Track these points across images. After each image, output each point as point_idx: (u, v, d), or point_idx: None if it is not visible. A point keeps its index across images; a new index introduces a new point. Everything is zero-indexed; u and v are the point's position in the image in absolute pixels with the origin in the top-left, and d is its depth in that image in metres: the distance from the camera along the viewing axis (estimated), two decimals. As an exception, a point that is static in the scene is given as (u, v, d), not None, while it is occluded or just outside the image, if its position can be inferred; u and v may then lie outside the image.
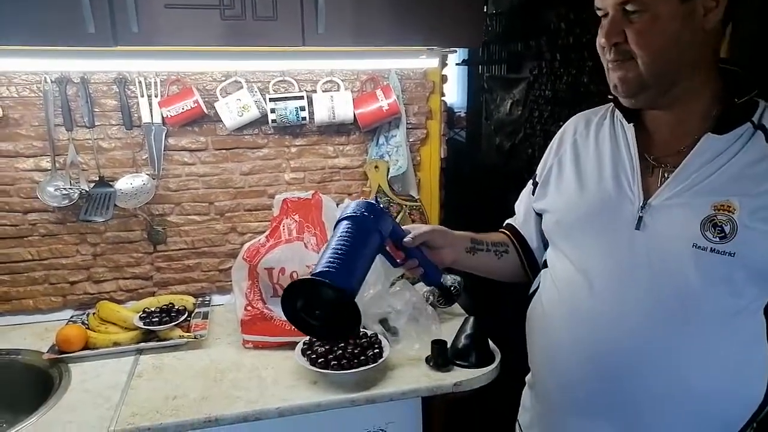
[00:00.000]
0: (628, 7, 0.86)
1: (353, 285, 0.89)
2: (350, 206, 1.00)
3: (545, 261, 1.11)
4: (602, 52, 0.93)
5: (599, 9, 0.92)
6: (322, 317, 0.90)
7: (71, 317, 1.61)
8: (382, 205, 1.05)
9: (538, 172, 1.16)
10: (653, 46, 0.87)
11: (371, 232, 0.96)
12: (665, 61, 0.88)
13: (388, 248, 1.05)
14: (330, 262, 0.89)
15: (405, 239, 1.04)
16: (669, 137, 0.96)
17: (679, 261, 0.88)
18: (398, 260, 1.06)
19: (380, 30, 1.39)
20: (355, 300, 0.88)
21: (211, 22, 1.30)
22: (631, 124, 0.98)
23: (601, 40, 0.91)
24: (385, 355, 1.35)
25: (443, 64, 1.78)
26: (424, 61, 1.61)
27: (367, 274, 0.95)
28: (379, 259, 1.35)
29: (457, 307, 1.70)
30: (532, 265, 1.19)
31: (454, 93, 3.41)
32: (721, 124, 0.90)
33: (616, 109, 1.04)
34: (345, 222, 0.97)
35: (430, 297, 1.62)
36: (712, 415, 0.91)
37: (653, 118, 0.98)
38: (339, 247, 0.92)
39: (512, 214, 1.25)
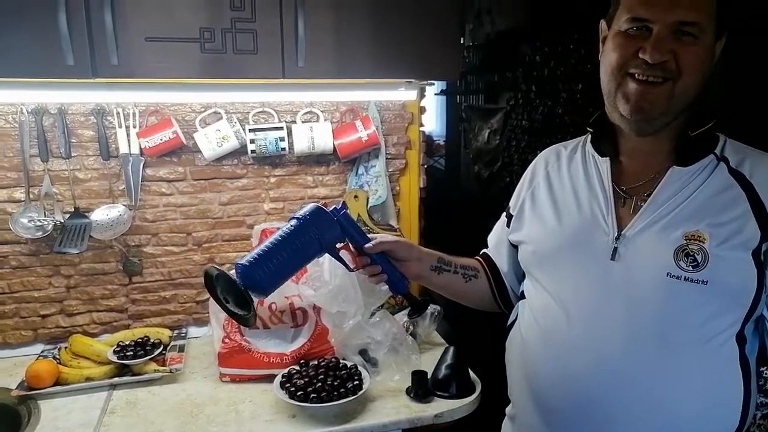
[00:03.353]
0: (687, 29, 0.87)
1: (257, 280, 1.00)
2: (304, 208, 1.08)
3: (522, 292, 1.12)
4: (633, 66, 0.90)
5: (639, 20, 0.89)
6: (233, 301, 1.02)
7: (42, 352, 1.56)
8: (342, 212, 1.09)
9: (511, 204, 1.18)
10: (701, 70, 0.89)
11: (307, 239, 1.04)
12: (697, 87, 0.91)
13: (343, 254, 1.12)
14: (251, 257, 1.01)
15: (366, 245, 1.08)
16: (640, 168, 0.99)
17: (654, 290, 0.90)
18: (353, 266, 1.12)
19: (359, 63, 1.42)
20: (262, 291, 1.01)
21: (192, 56, 1.31)
22: (606, 158, 1.01)
23: (646, 56, 0.87)
24: (365, 386, 1.34)
25: (421, 96, 1.81)
26: (403, 93, 1.63)
27: (294, 275, 1.09)
28: (349, 279, 1.38)
29: (437, 337, 1.70)
30: (502, 294, 1.20)
31: (433, 122, 3.46)
32: (683, 157, 0.93)
33: (588, 142, 1.07)
34: (292, 221, 1.06)
35: (410, 327, 1.62)
36: None
37: (631, 148, 1.00)
38: (268, 245, 1.02)
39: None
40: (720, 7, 0.89)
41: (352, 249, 1.11)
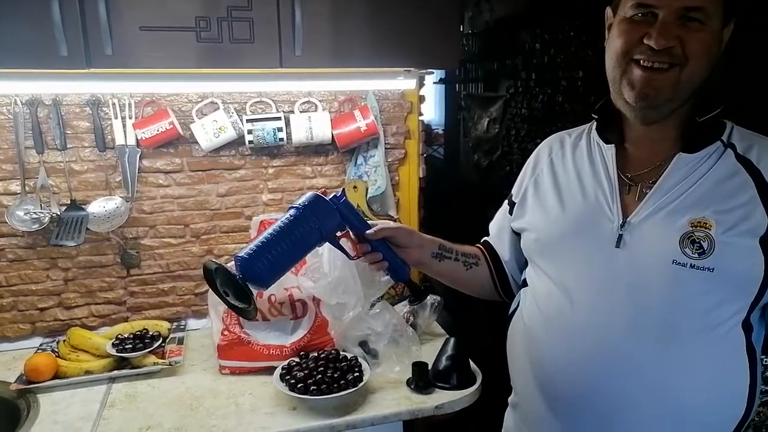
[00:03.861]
0: (693, 14, 0.86)
1: (257, 272, 0.98)
2: (303, 197, 1.06)
3: (524, 280, 1.12)
4: (638, 53, 0.89)
5: (645, 6, 0.88)
6: (233, 294, 1.01)
7: (40, 345, 1.56)
8: (341, 200, 1.08)
9: (514, 192, 1.17)
10: (707, 56, 0.88)
11: (307, 229, 1.03)
12: (703, 74, 0.90)
13: (344, 242, 1.10)
14: (250, 249, 0.99)
15: (368, 231, 1.07)
16: (646, 154, 0.98)
17: (660, 277, 0.89)
18: (353, 254, 1.10)
19: (357, 52, 1.40)
20: (262, 283, 1.00)
21: (188, 45, 1.29)
22: (611, 145, 1.00)
23: (651, 42, 0.86)
24: (365, 378, 1.34)
25: (420, 85, 1.79)
26: (402, 82, 1.62)
27: (294, 266, 1.07)
28: (348, 270, 1.37)
29: (437, 327, 1.70)
30: (503, 282, 1.19)
31: (432, 110, 3.44)
32: (690, 143, 0.93)
33: (593, 130, 1.06)
34: (290, 211, 1.05)
35: (411, 318, 1.61)
36: (696, 429, 0.91)
37: (636, 136, 0.99)
38: (267, 236, 1.01)
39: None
40: None
41: (352, 237, 1.10)
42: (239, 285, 0.98)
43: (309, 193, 1.07)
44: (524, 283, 1.11)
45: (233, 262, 1.00)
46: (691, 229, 0.88)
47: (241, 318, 1.48)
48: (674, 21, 0.86)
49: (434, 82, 3.14)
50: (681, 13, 0.86)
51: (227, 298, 1.00)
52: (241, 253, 0.99)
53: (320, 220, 1.04)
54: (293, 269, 1.52)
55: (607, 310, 0.92)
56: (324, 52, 1.38)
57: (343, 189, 1.14)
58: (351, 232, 1.09)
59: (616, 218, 0.95)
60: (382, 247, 1.09)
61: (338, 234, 1.10)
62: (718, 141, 0.92)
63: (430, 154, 3.18)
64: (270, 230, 1.02)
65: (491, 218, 1.25)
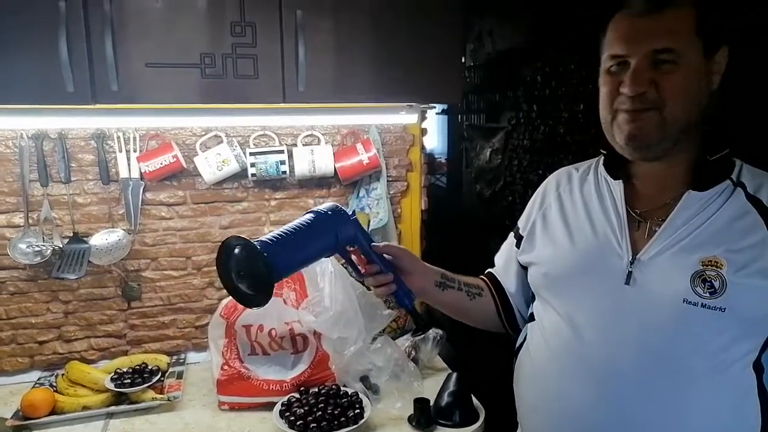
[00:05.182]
0: (663, 56, 0.87)
1: (279, 260, 0.91)
2: (322, 205, 1.04)
3: (531, 314, 1.10)
4: (619, 102, 0.91)
5: (618, 57, 0.90)
6: (245, 282, 0.93)
7: (38, 379, 1.54)
8: (353, 216, 1.04)
9: (521, 225, 1.16)
10: (684, 95, 0.88)
11: (326, 230, 0.99)
12: (689, 112, 0.90)
13: (354, 258, 1.06)
14: (271, 237, 0.92)
15: (373, 243, 1.05)
16: (655, 191, 0.97)
17: (670, 316, 0.88)
18: (363, 270, 1.07)
19: (360, 88, 1.41)
20: (278, 273, 0.91)
21: (192, 81, 1.31)
22: (619, 181, 1.00)
23: (625, 90, 0.89)
24: (366, 415, 1.31)
25: (423, 118, 1.80)
26: (404, 117, 1.63)
27: (307, 266, 1.00)
28: (350, 303, 1.33)
29: (439, 362, 1.67)
30: (508, 315, 1.18)
31: (435, 139, 3.47)
32: (700, 181, 0.92)
33: (600, 165, 1.06)
34: (308, 214, 1.01)
35: (412, 352, 1.59)
36: None
37: (643, 172, 0.99)
38: (287, 230, 0.95)
39: (494, 261, 1.24)
40: (701, 25, 0.88)
41: (361, 256, 1.07)
42: (259, 264, 0.90)
43: (328, 203, 1.05)
44: (531, 317, 1.10)
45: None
46: (702, 267, 0.87)
47: (241, 352, 1.47)
48: (647, 66, 0.88)
49: (437, 113, 3.17)
50: (652, 57, 0.87)
51: (238, 284, 0.93)
52: (262, 239, 0.93)
53: (337, 226, 1.01)
54: (294, 302, 1.51)
55: (616, 347, 0.91)
56: (327, 88, 1.39)
57: (354, 210, 1.11)
58: (360, 251, 1.06)
59: (625, 255, 0.94)
60: (390, 270, 1.06)
61: (349, 249, 1.08)
62: (727, 179, 0.92)
63: (433, 183, 3.20)
64: (287, 226, 0.98)
65: (494, 249, 1.25)
